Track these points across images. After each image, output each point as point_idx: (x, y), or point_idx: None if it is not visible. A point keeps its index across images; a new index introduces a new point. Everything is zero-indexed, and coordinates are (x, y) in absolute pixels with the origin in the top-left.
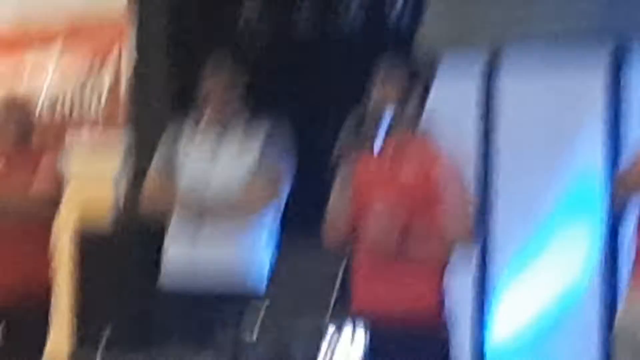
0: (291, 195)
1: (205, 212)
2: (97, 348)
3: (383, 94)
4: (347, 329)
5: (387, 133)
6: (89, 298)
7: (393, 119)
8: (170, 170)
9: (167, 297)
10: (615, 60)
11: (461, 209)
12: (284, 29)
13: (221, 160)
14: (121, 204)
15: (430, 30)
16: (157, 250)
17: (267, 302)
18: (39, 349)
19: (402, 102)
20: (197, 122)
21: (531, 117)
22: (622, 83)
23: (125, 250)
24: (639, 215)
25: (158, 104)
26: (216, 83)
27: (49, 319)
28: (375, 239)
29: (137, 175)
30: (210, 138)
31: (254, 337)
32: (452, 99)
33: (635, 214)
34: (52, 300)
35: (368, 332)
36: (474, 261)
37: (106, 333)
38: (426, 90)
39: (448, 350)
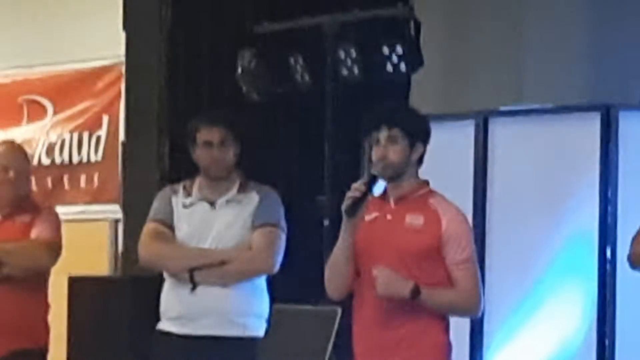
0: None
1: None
2: None
3: (392, 152)
4: None
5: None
6: (84, 343)
7: (400, 174)
8: (164, 223)
9: (161, 345)
10: (606, 123)
11: (471, 264)
12: (274, 90)
13: (217, 217)
14: (119, 250)
15: (423, 94)
16: (155, 294)
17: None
18: None
19: (409, 162)
20: (192, 182)
21: (524, 179)
22: (613, 146)
23: (123, 294)
24: None
25: (152, 162)
26: (212, 142)
27: None
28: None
29: (134, 226)
30: (205, 196)
31: None
32: (445, 162)
33: None
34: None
35: None
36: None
37: None
38: (424, 151)
39: None
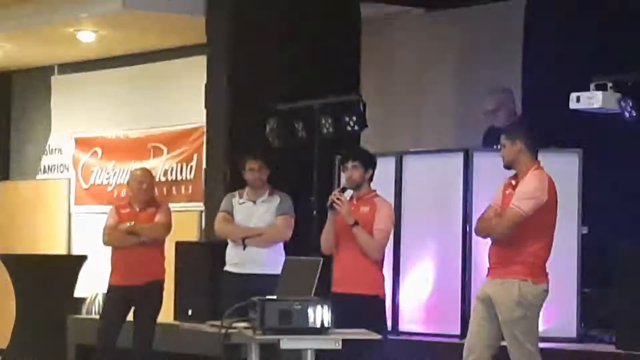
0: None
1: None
2: (187, 316)
3: (353, 174)
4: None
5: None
6: (183, 283)
7: (359, 186)
8: (229, 213)
9: (227, 279)
10: (466, 160)
11: (383, 233)
12: (287, 140)
13: (257, 210)
14: (203, 227)
15: (367, 141)
16: (223, 251)
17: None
18: (155, 316)
19: (364, 180)
20: (242, 192)
21: (425, 197)
22: (470, 173)
23: (205, 253)
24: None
25: (224, 179)
26: (253, 169)
27: (162, 296)
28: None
29: (210, 215)
30: (251, 199)
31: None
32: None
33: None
34: (163, 282)
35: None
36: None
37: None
38: (373, 172)
39: (384, 307)
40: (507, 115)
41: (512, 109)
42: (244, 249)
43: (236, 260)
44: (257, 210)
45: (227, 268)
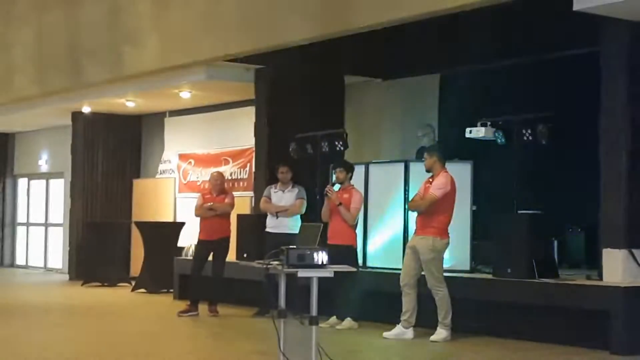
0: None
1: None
2: (243, 257)
3: (340, 175)
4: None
5: (341, 186)
6: (241, 238)
7: (342, 182)
8: (268, 197)
9: (269, 236)
10: (405, 168)
11: (356, 209)
12: (302, 156)
13: (284, 196)
14: (252, 206)
15: (348, 156)
16: (264, 220)
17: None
18: (224, 258)
19: (346, 178)
20: (276, 185)
21: (380, 191)
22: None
23: (254, 221)
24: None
25: (265, 177)
26: (283, 172)
27: (229, 246)
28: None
29: (257, 199)
30: (281, 189)
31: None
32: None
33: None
34: (230, 238)
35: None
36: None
37: (249, 251)
38: (352, 174)
39: (356, 252)
40: (429, 140)
41: (432, 137)
42: (277, 218)
43: (272, 225)
44: (285, 196)
45: (267, 229)
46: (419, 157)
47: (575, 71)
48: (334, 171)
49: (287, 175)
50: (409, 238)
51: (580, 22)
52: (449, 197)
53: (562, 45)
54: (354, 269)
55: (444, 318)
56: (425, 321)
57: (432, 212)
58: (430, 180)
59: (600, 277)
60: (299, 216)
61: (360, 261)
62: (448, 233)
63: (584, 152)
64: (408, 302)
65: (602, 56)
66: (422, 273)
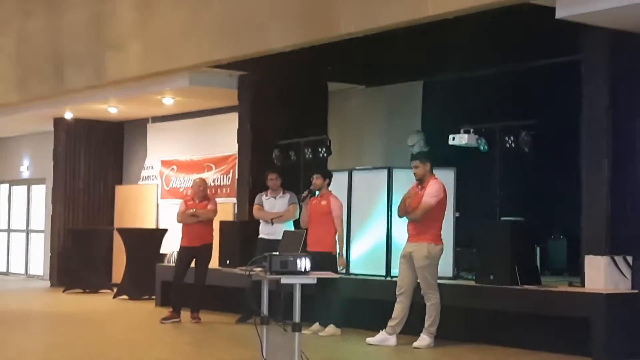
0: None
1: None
2: (226, 263)
3: (317, 182)
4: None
5: (317, 194)
6: (224, 244)
7: (320, 188)
8: (260, 205)
9: (260, 242)
10: (389, 174)
11: (340, 220)
12: (285, 162)
13: (277, 203)
14: (235, 212)
15: (331, 162)
16: (257, 226)
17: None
18: (207, 264)
19: (324, 185)
20: (266, 192)
21: (361, 197)
22: (390, 183)
23: (237, 228)
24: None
25: (248, 184)
26: (272, 179)
27: (212, 252)
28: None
29: (241, 206)
30: (272, 196)
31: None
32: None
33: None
34: (212, 244)
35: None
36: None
37: (232, 257)
38: (330, 180)
39: (335, 259)
40: (420, 147)
41: (422, 144)
42: (272, 224)
43: (267, 231)
44: (277, 203)
45: (261, 236)
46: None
47: (558, 79)
48: (311, 178)
49: (277, 181)
50: (392, 245)
51: (562, 30)
52: (442, 204)
53: (544, 53)
54: (336, 276)
55: (430, 325)
56: (409, 328)
57: (426, 219)
58: (419, 187)
59: (582, 284)
60: (291, 222)
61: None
62: (442, 239)
63: (565, 159)
64: (400, 310)
65: (584, 64)
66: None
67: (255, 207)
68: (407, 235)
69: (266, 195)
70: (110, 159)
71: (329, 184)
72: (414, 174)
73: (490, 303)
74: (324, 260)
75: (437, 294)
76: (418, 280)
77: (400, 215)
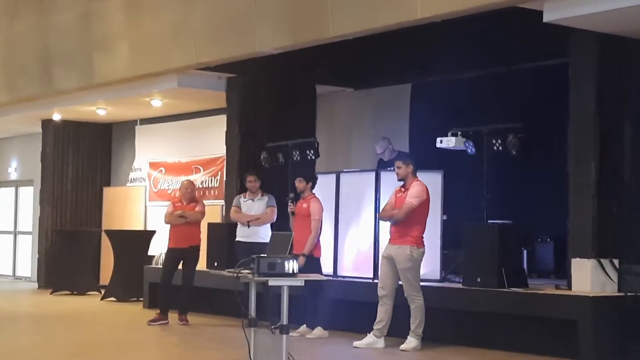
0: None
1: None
2: (214, 265)
3: (299, 185)
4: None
5: (302, 196)
6: (211, 246)
7: (302, 192)
8: (238, 207)
9: (237, 245)
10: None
11: (316, 221)
12: (273, 164)
13: (254, 205)
14: (223, 214)
15: (319, 165)
16: (234, 228)
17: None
18: (194, 266)
19: (306, 188)
20: (245, 194)
21: (349, 199)
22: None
23: (225, 230)
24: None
25: (236, 186)
26: (251, 180)
27: (199, 254)
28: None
29: (227, 208)
30: (250, 198)
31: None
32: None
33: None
34: (200, 246)
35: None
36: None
37: (219, 259)
38: (314, 183)
39: (318, 261)
40: (390, 153)
41: (391, 149)
42: (249, 227)
43: (244, 234)
44: (255, 205)
45: (238, 239)
46: (380, 167)
47: (545, 82)
48: (294, 181)
49: (255, 184)
50: (380, 247)
51: (549, 33)
52: (424, 206)
53: (532, 56)
54: (324, 278)
55: (417, 327)
56: (396, 331)
57: (408, 222)
58: (402, 189)
59: (569, 287)
60: (269, 225)
61: (331, 270)
62: (424, 242)
63: (553, 162)
64: (384, 312)
65: (571, 67)
66: (400, 282)
67: (232, 209)
68: (389, 237)
69: (244, 197)
70: (98, 160)
71: (312, 187)
72: (397, 174)
73: (477, 305)
74: (308, 263)
75: (421, 296)
76: (400, 282)
77: (382, 218)
